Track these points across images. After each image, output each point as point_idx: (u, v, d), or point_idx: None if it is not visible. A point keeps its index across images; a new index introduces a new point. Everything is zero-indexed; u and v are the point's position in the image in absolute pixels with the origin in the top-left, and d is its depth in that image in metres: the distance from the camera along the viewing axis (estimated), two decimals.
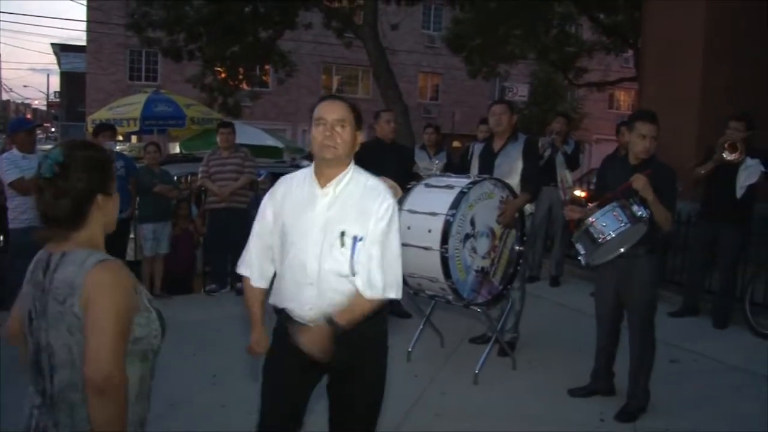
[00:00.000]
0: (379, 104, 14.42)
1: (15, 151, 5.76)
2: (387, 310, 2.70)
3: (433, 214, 4.47)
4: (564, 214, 4.51)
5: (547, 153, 7.45)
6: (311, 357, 2.43)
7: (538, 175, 5.33)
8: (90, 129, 11.66)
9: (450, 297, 4.67)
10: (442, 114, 30.45)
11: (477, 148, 5.39)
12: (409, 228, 4.52)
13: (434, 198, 4.62)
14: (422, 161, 7.52)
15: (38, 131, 8.80)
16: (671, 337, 5.48)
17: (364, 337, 2.58)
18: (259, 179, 7.56)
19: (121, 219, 5.48)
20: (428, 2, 29.98)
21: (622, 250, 4.03)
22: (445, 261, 4.38)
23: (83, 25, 27.04)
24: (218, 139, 7.32)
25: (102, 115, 12.26)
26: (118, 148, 8.74)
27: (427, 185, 4.88)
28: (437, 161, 7.72)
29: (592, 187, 7.58)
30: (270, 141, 13.56)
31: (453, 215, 4.41)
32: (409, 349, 5.15)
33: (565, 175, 7.62)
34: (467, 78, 22.15)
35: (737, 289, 6.20)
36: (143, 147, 8.14)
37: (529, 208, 5.10)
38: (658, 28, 9.30)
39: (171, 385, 4.07)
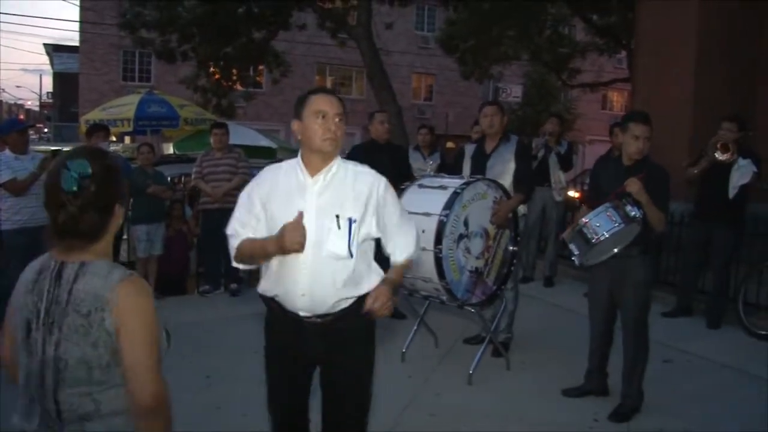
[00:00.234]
0: (373, 105, 14.44)
1: (7, 152, 5.73)
2: None
3: (427, 214, 4.47)
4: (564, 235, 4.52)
5: (541, 154, 7.47)
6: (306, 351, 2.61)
7: (531, 176, 5.34)
8: (83, 129, 11.63)
9: (444, 297, 4.68)
10: (436, 115, 30.48)
11: (469, 150, 5.39)
12: None
13: (428, 198, 4.62)
14: (416, 162, 7.51)
15: (31, 132, 8.76)
16: (665, 337, 5.50)
17: (352, 329, 2.64)
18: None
19: None
20: (422, 3, 30.04)
21: (615, 250, 4.04)
22: (438, 261, 4.39)
23: (76, 26, 26.96)
24: (211, 140, 7.31)
25: (95, 115, 12.22)
26: (111, 148, 8.72)
27: (421, 186, 4.88)
28: (431, 162, 7.73)
29: (585, 187, 7.61)
30: (263, 141, 13.53)
31: (447, 216, 4.42)
32: (404, 350, 5.15)
33: (558, 175, 7.64)
34: (461, 79, 22.18)
35: (730, 289, 6.22)
36: (136, 148, 8.12)
37: (522, 209, 5.11)
38: (651, 29, 9.32)
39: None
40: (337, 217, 2.52)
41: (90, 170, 1.77)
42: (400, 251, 2.73)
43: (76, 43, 28.19)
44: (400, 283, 2.78)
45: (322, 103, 2.59)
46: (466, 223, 4.60)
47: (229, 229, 2.70)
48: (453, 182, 4.72)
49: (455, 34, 17.46)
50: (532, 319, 6.14)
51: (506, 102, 28.18)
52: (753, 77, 8.60)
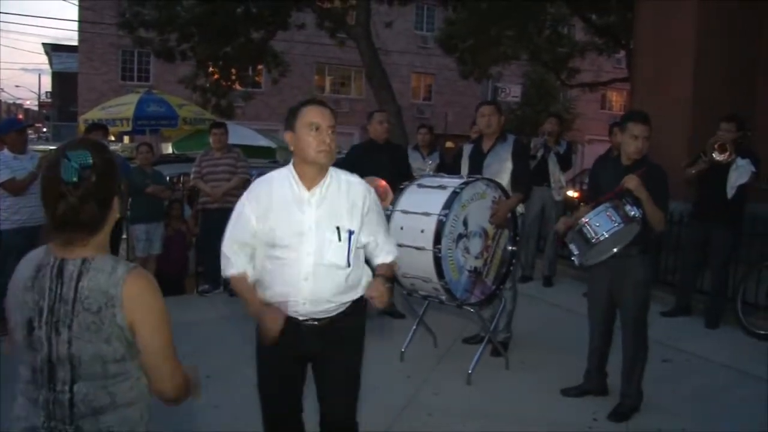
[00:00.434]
0: (372, 105, 14.45)
1: (6, 151, 5.73)
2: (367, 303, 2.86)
3: (426, 214, 4.47)
4: (557, 227, 4.53)
5: (540, 153, 7.47)
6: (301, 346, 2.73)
7: (529, 175, 5.34)
8: (82, 129, 11.63)
9: (443, 297, 4.68)
10: (435, 114, 30.48)
11: (467, 149, 5.40)
12: (401, 228, 4.53)
13: (427, 198, 4.62)
14: (415, 161, 7.51)
15: (29, 131, 8.75)
16: (664, 336, 5.50)
17: (341, 326, 2.76)
18: (252, 180, 7.54)
19: None
20: (421, 3, 30.03)
21: (615, 250, 4.04)
22: (438, 261, 4.39)
23: (75, 25, 26.93)
24: (211, 140, 7.30)
25: (94, 115, 12.23)
26: (110, 148, 8.70)
27: (420, 185, 4.88)
28: (430, 161, 7.73)
29: (584, 187, 7.61)
30: (262, 141, 13.55)
31: (446, 215, 4.41)
32: (402, 350, 5.15)
33: (557, 175, 7.64)
34: (460, 78, 22.19)
35: (729, 289, 6.23)
36: (135, 147, 8.13)
37: (520, 208, 5.11)
38: (650, 28, 9.32)
39: None
40: (338, 229, 2.64)
41: (91, 161, 1.75)
42: (386, 253, 2.86)
43: (75, 43, 28.17)
44: (391, 278, 2.88)
45: (314, 115, 2.63)
46: (465, 223, 4.60)
47: (226, 249, 2.77)
48: (452, 182, 4.71)
49: (454, 33, 17.46)
50: (532, 319, 6.14)
51: (505, 102, 28.20)
52: (752, 77, 8.61)
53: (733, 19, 8.50)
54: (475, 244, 4.71)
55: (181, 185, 9.46)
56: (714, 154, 5.80)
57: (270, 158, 12.63)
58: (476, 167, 5.16)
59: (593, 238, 3.92)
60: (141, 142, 8.46)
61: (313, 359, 2.83)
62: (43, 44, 36.18)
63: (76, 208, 1.75)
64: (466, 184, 4.63)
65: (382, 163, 5.46)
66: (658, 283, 6.35)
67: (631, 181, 3.90)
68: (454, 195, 4.49)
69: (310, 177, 2.66)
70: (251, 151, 10.87)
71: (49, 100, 43.57)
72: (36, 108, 57.04)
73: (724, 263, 6.12)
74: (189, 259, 8.09)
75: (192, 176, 7.31)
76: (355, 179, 2.77)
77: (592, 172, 4.66)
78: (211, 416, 4.09)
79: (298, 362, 2.84)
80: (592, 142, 30.38)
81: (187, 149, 11.36)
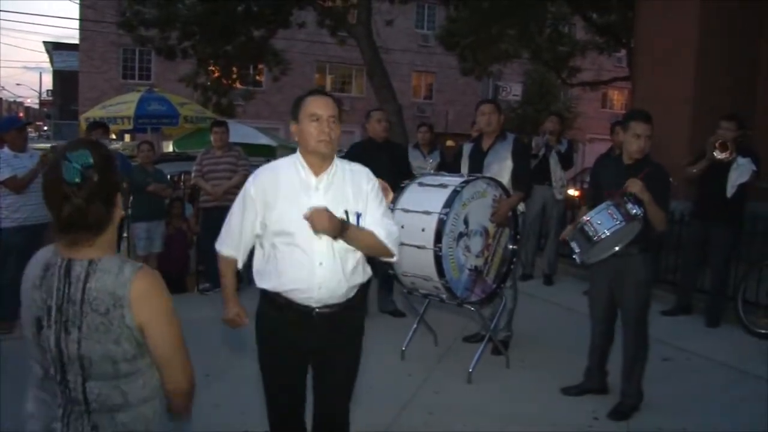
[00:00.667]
0: (372, 103, 14.44)
1: (6, 149, 5.73)
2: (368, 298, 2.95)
3: (427, 212, 4.47)
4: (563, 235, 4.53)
5: (542, 152, 7.47)
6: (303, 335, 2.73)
7: (530, 174, 5.35)
8: (83, 127, 11.63)
9: (444, 296, 4.68)
10: (436, 113, 30.49)
11: (467, 148, 5.40)
12: (402, 227, 4.51)
13: (428, 197, 4.62)
14: (416, 160, 7.52)
15: (30, 129, 8.77)
16: (664, 335, 5.50)
17: (346, 322, 2.79)
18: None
19: None
20: (422, 1, 30.04)
21: (616, 248, 4.04)
22: (438, 260, 4.39)
23: (76, 24, 26.94)
24: (212, 138, 7.30)
25: (95, 113, 12.23)
26: (111, 146, 8.72)
27: (421, 184, 4.88)
28: (431, 160, 7.73)
29: (585, 186, 7.61)
30: (263, 140, 13.53)
31: (446, 214, 4.42)
32: (403, 348, 5.16)
33: (559, 174, 7.65)
34: (461, 77, 22.17)
35: (729, 288, 6.23)
36: (136, 146, 8.12)
37: (520, 206, 5.11)
38: (651, 27, 9.32)
39: None
40: (347, 212, 2.65)
41: (91, 160, 1.76)
42: (386, 235, 2.74)
43: (76, 41, 28.17)
44: (351, 237, 2.63)
45: (315, 106, 2.66)
46: (466, 222, 4.60)
47: (219, 244, 2.87)
48: (453, 180, 4.72)
49: (455, 31, 17.45)
50: (532, 318, 6.14)
51: (506, 100, 28.21)
52: (753, 77, 8.61)
53: (734, 19, 8.50)
54: (476, 243, 4.71)
55: (182, 184, 9.47)
56: (715, 153, 5.80)
57: (271, 157, 12.61)
58: (476, 166, 5.16)
59: (595, 236, 3.92)
60: (142, 140, 8.46)
61: (316, 354, 2.84)
62: (44, 42, 36.26)
63: (82, 209, 1.75)
64: (466, 182, 4.63)
65: (381, 162, 5.44)
66: (658, 282, 6.36)
67: (635, 185, 3.89)
68: (455, 194, 4.50)
69: (316, 165, 2.70)
70: (252, 149, 10.84)
71: (50, 99, 43.60)
72: (37, 106, 57.11)
73: (724, 262, 6.12)
74: (190, 258, 8.09)
75: (193, 175, 7.32)
76: (357, 167, 2.82)
77: (594, 171, 4.65)
78: (210, 415, 4.09)
79: (302, 356, 2.85)
80: (593, 140, 30.38)
81: (188, 148, 11.35)
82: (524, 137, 6.98)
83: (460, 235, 4.57)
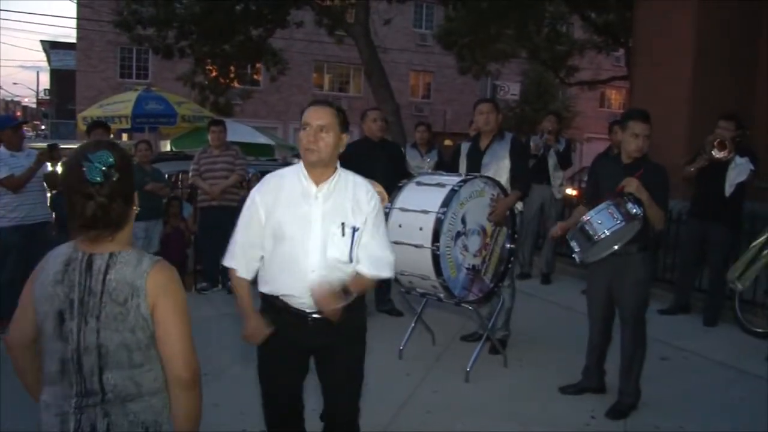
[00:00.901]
0: (370, 103, 14.43)
1: (2, 149, 5.71)
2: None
3: (425, 212, 4.47)
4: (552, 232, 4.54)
5: (540, 152, 7.47)
6: (303, 339, 2.80)
7: (528, 173, 5.34)
8: (81, 126, 11.61)
9: (441, 295, 4.68)
10: (434, 112, 30.48)
11: (464, 148, 5.39)
12: (400, 226, 4.53)
13: (425, 196, 4.61)
14: (413, 159, 7.52)
15: (27, 129, 8.73)
16: (662, 334, 5.51)
17: (345, 323, 2.76)
18: (247, 177, 7.54)
19: None
20: (420, 1, 30.01)
21: (616, 247, 4.04)
22: (436, 259, 4.39)
23: (73, 22, 26.87)
24: (209, 137, 7.29)
25: (93, 112, 12.22)
26: None
27: (419, 183, 4.88)
28: (428, 159, 7.73)
29: (583, 185, 7.62)
30: (261, 139, 13.55)
31: (444, 213, 4.41)
32: (401, 347, 5.15)
33: (557, 173, 7.65)
34: (459, 76, 22.17)
35: (727, 287, 6.23)
36: (134, 145, 8.11)
37: (518, 205, 5.11)
38: (650, 27, 9.32)
39: None
40: (343, 225, 2.70)
41: (112, 159, 1.84)
42: (370, 265, 2.79)
43: (74, 40, 28.11)
44: (353, 293, 2.74)
45: (307, 115, 2.72)
46: (463, 221, 4.60)
47: (234, 242, 2.86)
48: (450, 180, 4.72)
49: (453, 31, 17.45)
50: (530, 317, 6.15)
51: (504, 100, 28.21)
52: (751, 76, 8.61)
53: (732, 19, 8.51)
54: (474, 242, 4.71)
55: (179, 183, 9.46)
56: (713, 152, 5.80)
57: (268, 156, 12.62)
58: (474, 165, 5.16)
59: (595, 235, 3.92)
60: (139, 139, 8.44)
61: (317, 354, 2.89)
62: (42, 41, 36.25)
63: (105, 207, 1.84)
64: (464, 181, 4.63)
65: (377, 161, 5.45)
66: (656, 281, 6.36)
67: (631, 184, 3.90)
68: (453, 193, 4.49)
69: (317, 174, 2.73)
70: (250, 148, 10.87)
71: (48, 98, 43.53)
72: (34, 105, 56.99)
73: (722, 261, 6.12)
74: (188, 257, 8.08)
75: (191, 174, 7.31)
76: (361, 180, 2.84)
77: (592, 170, 4.66)
78: (209, 415, 4.07)
79: (301, 356, 2.89)
80: (591, 140, 30.39)
81: (185, 147, 11.35)
82: (522, 136, 6.98)
83: (458, 234, 4.57)
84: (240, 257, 2.83)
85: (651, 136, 4.08)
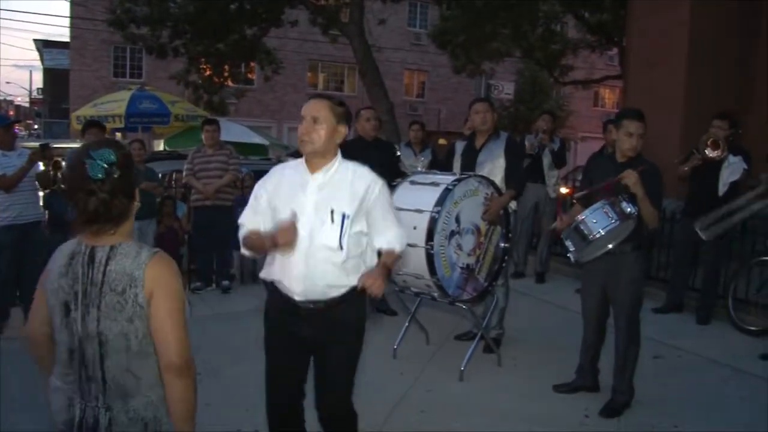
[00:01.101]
0: (365, 102, 14.41)
1: None
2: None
3: (419, 211, 4.47)
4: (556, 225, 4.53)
5: (535, 151, 7.48)
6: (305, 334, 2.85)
7: (523, 172, 5.34)
8: (75, 126, 11.56)
9: (435, 294, 4.68)
10: (428, 111, 30.46)
11: (459, 146, 5.39)
12: None
13: (419, 195, 4.61)
14: (407, 158, 7.50)
15: (20, 128, 8.69)
16: (656, 333, 5.52)
17: (341, 317, 2.86)
18: (240, 176, 7.51)
19: None
20: (414, 0, 29.99)
21: (610, 246, 4.04)
22: (430, 258, 4.39)
23: (67, 21, 26.77)
24: (203, 137, 7.28)
25: (86, 111, 12.17)
26: None
27: (413, 182, 4.88)
28: (422, 158, 7.72)
29: (577, 184, 7.63)
30: (255, 138, 13.52)
31: (438, 212, 4.41)
32: (395, 347, 5.15)
33: (552, 173, 7.66)
34: (453, 75, 22.17)
35: (720, 286, 6.26)
36: (128, 144, 8.07)
37: (512, 204, 5.11)
38: (643, 26, 9.35)
39: None
40: (332, 211, 2.75)
41: (114, 157, 1.93)
42: (391, 242, 2.89)
43: (67, 39, 28.00)
44: (391, 268, 2.89)
45: (303, 109, 2.83)
46: (457, 220, 4.60)
47: (241, 217, 2.99)
48: (444, 179, 4.71)
49: (448, 30, 17.45)
50: (524, 316, 6.15)
51: (498, 99, 28.23)
52: (744, 75, 8.64)
53: (726, 18, 8.54)
54: (468, 241, 4.71)
55: (173, 182, 9.42)
56: (707, 151, 5.82)
57: (262, 155, 12.59)
58: (469, 164, 5.15)
59: (590, 234, 3.92)
60: (133, 139, 8.40)
61: (314, 350, 2.94)
62: (35, 40, 36.00)
63: (107, 203, 1.92)
64: (458, 181, 4.63)
65: (371, 161, 5.43)
66: (650, 280, 6.38)
67: (630, 177, 3.90)
68: (447, 192, 4.49)
69: (313, 163, 2.82)
70: (244, 148, 10.84)
71: (41, 97, 43.33)
72: (27, 105, 56.73)
73: (715, 260, 6.14)
74: (182, 257, 8.05)
75: (184, 173, 7.29)
76: (362, 169, 2.89)
77: (586, 168, 4.66)
78: (203, 414, 4.06)
79: (302, 349, 2.93)
80: (585, 139, 30.45)
81: (179, 146, 11.31)
82: (517, 135, 6.98)
83: (452, 233, 4.57)
84: (247, 224, 2.95)
85: (645, 135, 4.08)
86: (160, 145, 12.91)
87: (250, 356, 4.91)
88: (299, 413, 3.06)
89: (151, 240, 7.16)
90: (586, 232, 3.95)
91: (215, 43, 14.66)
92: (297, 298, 2.81)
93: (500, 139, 5.17)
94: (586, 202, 4.11)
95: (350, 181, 2.81)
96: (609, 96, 35.39)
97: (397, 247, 2.90)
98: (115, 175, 1.92)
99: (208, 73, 16.06)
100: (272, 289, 2.92)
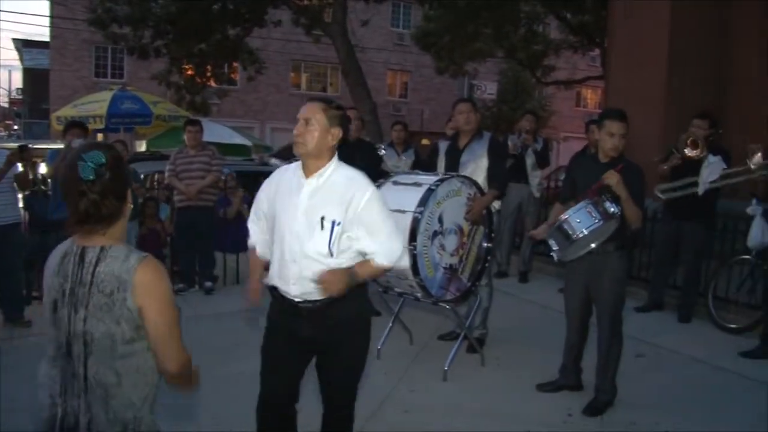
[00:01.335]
0: (347, 102, 14.40)
1: None
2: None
3: (401, 211, 4.46)
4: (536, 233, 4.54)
5: (518, 151, 7.50)
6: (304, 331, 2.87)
7: (506, 172, 5.36)
8: (56, 126, 11.44)
9: (418, 294, 4.68)
10: (411, 111, 30.50)
11: (443, 146, 5.40)
12: None
13: (402, 195, 4.61)
14: (390, 159, 7.50)
15: None
16: (637, 331, 5.56)
17: (346, 318, 2.89)
18: (222, 177, 7.47)
19: None
20: (397, 0, 30.01)
21: (593, 245, 4.06)
22: (413, 258, 4.39)
23: (46, 21, 26.50)
24: (185, 137, 7.23)
25: (67, 112, 12.05)
26: None
27: (395, 183, 4.88)
28: (404, 158, 7.73)
29: (559, 184, 7.67)
30: (238, 139, 13.47)
31: (421, 212, 4.42)
32: (379, 347, 5.15)
33: (535, 172, 7.69)
34: (436, 76, 22.22)
35: (701, 285, 6.31)
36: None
37: (496, 204, 5.13)
38: (624, 27, 9.42)
39: None
40: (322, 218, 2.76)
41: (104, 159, 1.97)
42: (374, 252, 2.83)
43: (47, 39, 27.72)
44: (361, 278, 2.84)
45: (299, 111, 2.85)
46: (440, 220, 4.60)
47: (249, 221, 3.13)
48: (427, 179, 4.72)
49: (431, 31, 17.49)
50: (507, 315, 6.17)
51: (481, 99, 28.33)
52: (724, 76, 8.72)
53: (706, 19, 8.62)
54: (451, 241, 4.72)
55: (155, 183, 9.37)
56: (686, 150, 5.86)
57: (245, 156, 12.55)
58: (452, 163, 5.17)
59: (573, 234, 3.94)
60: (115, 139, 8.34)
61: (317, 351, 2.96)
62: (14, 40, 35.55)
63: (97, 204, 1.96)
64: (441, 181, 4.63)
65: (353, 161, 5.43)
66: (631, 280, 6.42)
67: (612, 177, 3.93)
68: (430, 192, 4.50)
69: (309, 166, 2.83)
70: (226, 148, 10.79)
71: (20, 97, 42.85)
72: (6, 105, 56.07)
73: (696, 259, 6.19)
74: (164, 258, 8.00)
75: (167, 174, 7.24)
76: (357, 176, 2.86)
77: (569, 168, 4.69)
78: (188, 416, 4.05)
79: (302, 350, 2.95)
80: (568, 139, 30.61)
81: (161, 147, 11.25)
82: (500, 135, 7.01)
83: (435, 234, 4.57)
84: (258, 239, 3.09)
85: (627, 135, 4.11)
86: (142, 146, 12.83)
87: (235, 357, 4.91)
88: (291, 415, 3.08)
89: (134, 241, 7.12)
90: (569, 231, 3.97)
91: (197, 43, 14.58)
92: (296, 299, 2.85)
93: (483, 139, 5.18)
94: (568, 202, 4.13)
95: (343, 187, 2.79)
96: (591, 96, 35.62)
97: (379, 259, 2.83)
98: (106, 177, 1.96)
99: (190, 73, 15.98)
100: (275, 293, 2.94)
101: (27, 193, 6.26)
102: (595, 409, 4.22)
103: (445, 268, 4.70)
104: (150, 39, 14.43)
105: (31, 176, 6.01)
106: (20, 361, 4.72)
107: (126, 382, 2.01)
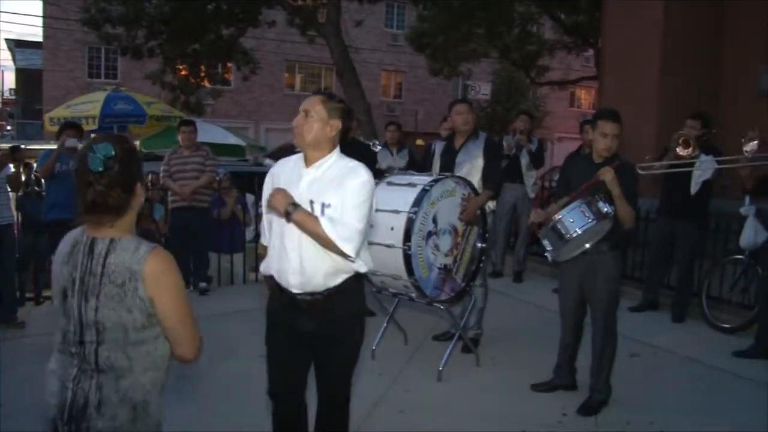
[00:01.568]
0: None
1: None
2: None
3: (396, 211, 4.47)
4: (529, 219, 4.55)
5: (513, 151, 7.51)
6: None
7: (500, 173, 5.37)
8: (49, 127, 11.39)
9: (413, 294, 4.68)
10: (405, 112, 30.49)
11: (438, 147, 5.40)
12: (371, 226, 4.51)
13: (396, 196, 4.61)
14: (384, 159, 7.50)
15: None
16: (631, 331, 5.57)
17: (341, 308, 2.90)
18: (217, 178, 7.45)
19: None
20: (391, 0, 30.01)
21: (587, 245, 4.07)
22: (407, 258, 4.39)
23: (39, 21, 26.39)
24: (179, 138, 7.22)
25: (60, 113, 12.00)
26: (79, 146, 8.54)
27: (390, 183, 4.88)
28: (399, 159, 7.73)
29: (554, 184, 7.69)
30: (232, 139, 13.44)
31: (415, 213, 4.42)
32: (373, 347, 5.15)
33: (530, 173, 7.70)
34: (430, 76, 22.21)
35: (694, 284, 6.33)
36: None
37: (491, 205, 5.14)
38: (618, 28, 9.45)
39: None
40: (311, 202, 2.78)
41: (113, 152, 2.00)
42: (336, 231, 2.70)
43: (40, 39, 27.60)
44: (297, 219, 2.71)
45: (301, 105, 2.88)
46: (434, 220, 4.61)
47: (263, 221, 3.14)
48: (421, 179, 4.72)
49: (425, 31, 17.49)
50: (502, 315, 6.18)
51: (475, 99, 28.34)
52: (717, 76, 8.76)
53: (697, 20, 8.65)
54: (445, 242, 4.72)
55: (150, 184, 9.34)
56: (678, 149, 5.88)
57: (239, 157, 12.53)
58: (448, 163, 5.17)
59: (567, 234, 3.95)
60: None
61: (315, 346, 2.96)
62: (6, 40, 35.41)
63: (103, 194, 1.99)
64: (435, 181, 4.64)
65: None
66: (626, 279, 6.43)
67: (607, 174, 3.94)
68: (424, 192, 4.50)
69: (309, 157, 2.87)
70: (220, 149, 10.77)
71: (13, 98, 42.68)
72: None
73: (689, 259, 6.21)
74: None
75: (161, 175, 7.23)
76: (355, 164, 2.87)
77: (563, 168, 4.69)
78: (188, 416, 4.04)
79: (302, 344, 2.95)
80: (562, 139, 30.67)
81: (155, 147, 11.21)
82: (494, 136, 7.02)
83: (429, 234, 4.58)
84: (264, 231, 3.09)
85: (621, 135, 4.12)
86: (136, 146, 12.78)
87: (231, 357, 4.90)
88: (301, 406, 3.11)
89: None
90: (563, 231, 3.98)
91: (191, 43, 14.55)
92: (295, 290, 2.85)
93: (479, 139, 5.19)
94: (562, 202, 4.14)
95: (342, 176, 2.81)
96: (585, 96, 35.68)
97: (332, 233, 2.69)
98: (114, 169, 1.99)
99: (184, 73, 15.94)
100: (272, 284, 2.96)
101: (20, 194, 6.24)
102: (589, 408, 4.22)
103: (439, 268, 4.70)
104: (143, 39, 14.38)
105: (23, 177, 5.99)
106: (14, 362, 4.71)
107: (137, 366, 2.05)
